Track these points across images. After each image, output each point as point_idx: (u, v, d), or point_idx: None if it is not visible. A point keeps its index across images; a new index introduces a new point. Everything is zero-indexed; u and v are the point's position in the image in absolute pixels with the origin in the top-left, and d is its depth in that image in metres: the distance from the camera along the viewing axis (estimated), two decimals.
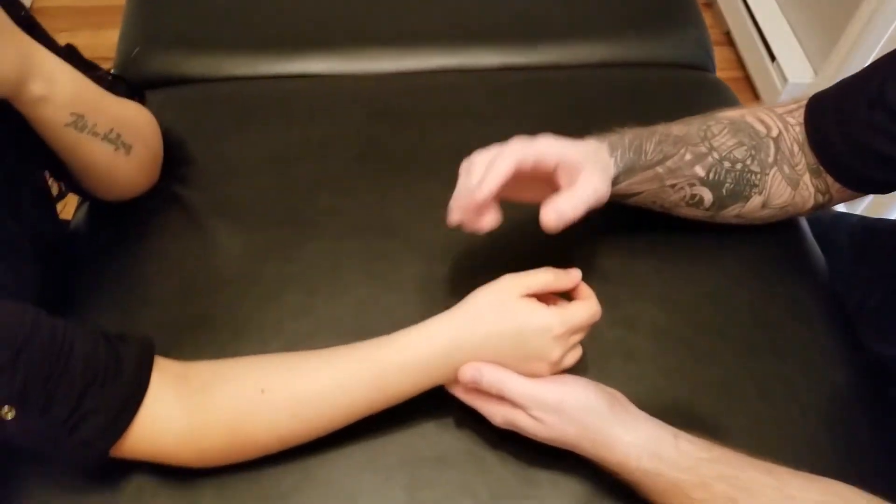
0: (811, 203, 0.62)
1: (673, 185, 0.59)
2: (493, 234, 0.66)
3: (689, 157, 0.58)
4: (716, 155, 0.58)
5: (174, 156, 0.72)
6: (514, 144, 0.52)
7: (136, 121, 0.65)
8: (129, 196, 0.69)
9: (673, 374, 0.59)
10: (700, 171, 0.58)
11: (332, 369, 0.50)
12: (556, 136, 0.54)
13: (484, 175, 0.51)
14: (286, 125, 0.77)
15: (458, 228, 0.68)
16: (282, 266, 0.65)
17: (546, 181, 0.53)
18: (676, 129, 0.59)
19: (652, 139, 0.57)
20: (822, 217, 0.80)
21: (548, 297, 0.53)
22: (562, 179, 0.53)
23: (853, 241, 0.74)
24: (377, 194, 0.71)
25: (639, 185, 0.59)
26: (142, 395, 0.47)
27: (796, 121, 0.60)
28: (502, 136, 0.76)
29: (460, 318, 0.50)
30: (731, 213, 0.62)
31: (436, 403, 0.55)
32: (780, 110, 0.61)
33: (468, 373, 0.49)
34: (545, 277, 0.51)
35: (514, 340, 0.49)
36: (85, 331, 0.47)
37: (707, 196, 0.60)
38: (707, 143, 0.59)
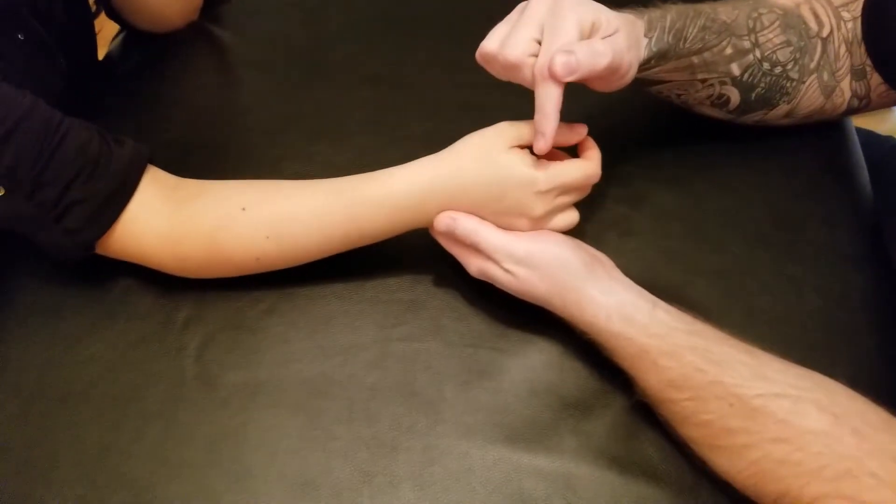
0: (843, 109, 0.54)
1: (704, 80, 0.52)
2: (508, 103, 0.63)
3: (729, 52, 0.51)
4: (758, 53, 0.51)
5: None
6: (556, 69, 0.40)
7: None
8: (165, 28, 0.67)
9: (671, 256, 0.54)
10: (736, 69, 0.51)
11: (310, 195, 0.48)
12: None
13: (539, 126, 0.41)
14: None
15: (475, 93, 0.64)
16: (290, 107, 0.62)
17: None
18: (724, 12, 0.51)
19: (696, 22, 0.49)
20: (880, 145, 0.71)
21: (552, 153, 0.48)
22: None
23: None
24: (397, 50, 0.67)
25: (668, 73, 0.51)
26: (128, 193, 0.47)
27: (851, 15, 0.52)
28: None
29: (443, 163, 0.46)
30: (753, 118, 0.55)
31: (419, 253, 0.53)
32: (837, 2, 0.53)
33: (443, 221, 0.46)
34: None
35: (494, 192, 0.45)
36: (81, 125, 0.46)
37: (735, 98, 0.53)
38: (753, 37, 0.51)
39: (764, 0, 0.53)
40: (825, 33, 0.52)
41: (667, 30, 0.48)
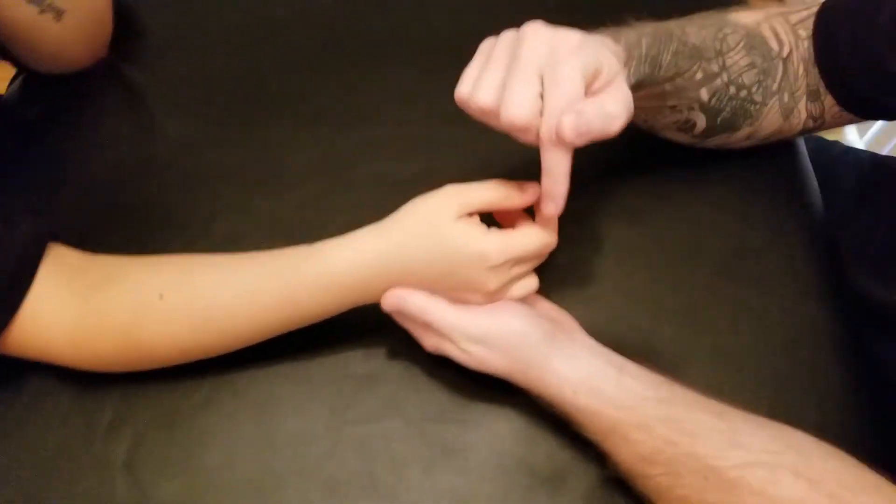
0: (798, 129, 0.52)
1: (673, 107, 0.48)
2: (462, 137, 0.57)
3: (699, 77, 0.47)
4: (725, 77, 0.48)
5: (125, 27, 0.61)
6: (565, 130, 0.35)
7: None
8: (66, 68, 0.58)
9: (634, 298, 0.50)
10: (704, 94, 0.48)
11: (237, 279, 0.41)
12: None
13: (550, 191, 0.37)
14: (250, 2, 0.64)
15: (427, 127, 0.59)
16: (222, 155, 0.55)
17: None
18: (693, 33, 0.47)
19: (669, 48, 0.45)
20: (828, 149, 0.69)
21: (507, 215, 0.43)
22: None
23: (860, 180, 0.63)
24: (341, 83, 0.59)
25: (640, 100, 0.46)
26: (23, 288, 0.39)
27: (806, 34, 0.49)
28: (487, 27, 0.65)
29: (386, 238, 0.40)
30: (715, 141, 0.52)
31: (368, 320, 0.47)
32: (794, 19, 0.50)
33: (390, 301, 0.41)
34: (490, 195, 0.40)
35: (443, 269, 0.39)
36: None
37: (701, 122, 0.50)
38: (720, 60, 0.47)
39: (727, 19, 0.49)
40: (785, 53, 0.49)
41: (643, 58, 0.43)
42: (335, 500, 0.41)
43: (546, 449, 0.44)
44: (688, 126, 0.50)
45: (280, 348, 0.45)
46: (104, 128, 0.57)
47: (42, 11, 0.51)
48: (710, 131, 0.51)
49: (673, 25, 0.47)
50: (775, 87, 0.49)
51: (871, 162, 0.65)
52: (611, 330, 0.45)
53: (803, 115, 0.51)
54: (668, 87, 0.47)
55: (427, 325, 0.41)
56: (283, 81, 0.59)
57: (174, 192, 0.53)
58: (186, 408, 0.44)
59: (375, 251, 0.40)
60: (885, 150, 1.06)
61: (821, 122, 0.51)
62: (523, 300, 0.42)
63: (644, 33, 0.45)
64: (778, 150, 0.57)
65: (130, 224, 0.51)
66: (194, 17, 0.64)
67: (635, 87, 0.44)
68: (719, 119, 0.50)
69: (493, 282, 0.39)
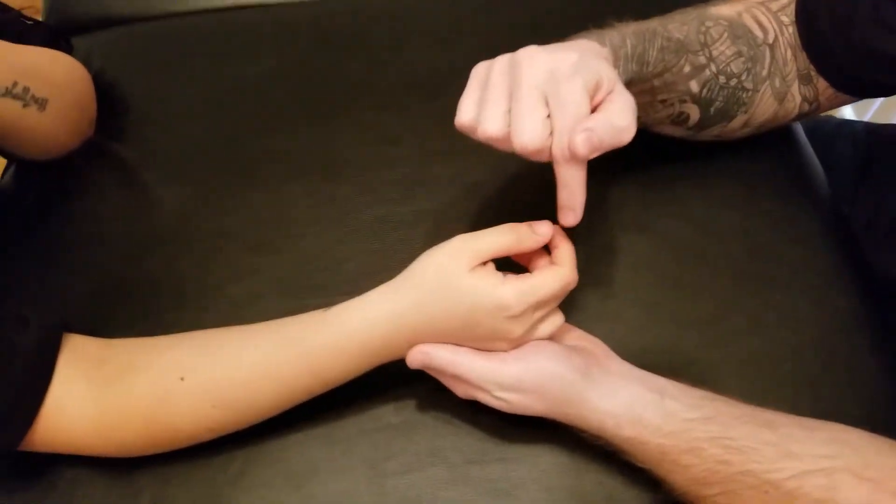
0: (794, 114, 0.52)
1: (664, 101, 0.49)
2: (455, 172, 0.57)
3: (687, 70, 0.47)
4: (713, 68, 0.48)
5: (105, 107, 0.61)
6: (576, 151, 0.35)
7: (50, 71, 0.53)
8: (57, 154, 0.58)
9: (655, 310, 0.50)
10: (694, 86, 0.48)
11: (256, 354, 0.40)
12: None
13: (571, 203, 0.38)
14: (220, 63, 0.64)
15: (417, 165, 0.59)
16: (221, 220, 0.55)
17: None
18: (675, 29, 0.48)
19: (654, 44, 0.46)
20: (823, 126, 0.69)
21: (523, 254, 0.43)
22: None
23: (858, 152, 0.64)
24: (323, 133, 0.59)
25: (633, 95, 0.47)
26: (43, 387, 0.39)
27: (790, 20, 0.50)
28: (463, 60, 0.65)
29: (403, 297, 0.39)
30: (711, 133, 0.52)
31: (395, 370, 0.46)
32: (774, 7, 0.50)
33: (416, 358, 0.40)
34: (501, 241, 0.39)
35: (464, 322, 0.39)
36: None
37: (694, 114, 0.50)
38: (706, 52, 0.48)
39: (707, 13, 0.50)
40: (771, 39, 0.49)
41: (630, 57, 0.44)
42: None
43: (594, 477, 0.43)
44: (681, 119, 0.50)
45: (308, 409, 0.44)
46: (102, 207, 0.56)
47: (25, 105, 0.50)
48: (704, 122, 0.51)
49: (655, 23, 0.48)
50: (765, 72, 0.49)
51: (866, 131, 0.65)
52: (636, 345, 0.44)
53: (797, 98, 0.51)
54: (657, 82, 0.47)
55: (457, 377, 0.40)
56: (268, 138, 0.59)
57: (181, 261, 0.52)
58: (223, 482, 0.43)
59: (391, 312, 0.39)
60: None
61: (816, 105, 0.52)
62: (551, 337, 0.41)
63: (627, 33, 0.45)
64: (776, 138, 0.57)
65: (142, 298, 0.51)
66: (171, 85, 0.64)
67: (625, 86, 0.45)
68: (712, 109, 0.50)
69: (517, 329, 0.39)
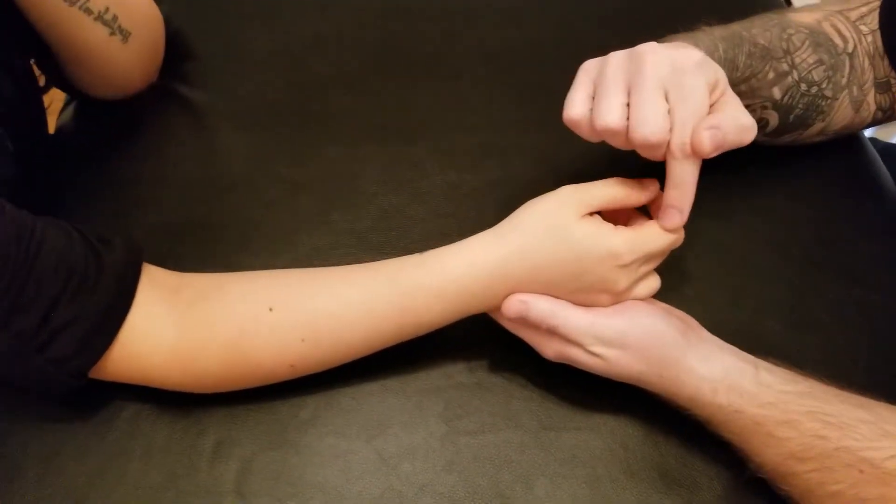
0: (868, 122, 0.53)
1: (747, 107, 0.48)
2: (528, 142, 0.57)
3: (771, 76, 0.48)
4: (795, 75, 0.48)
5: (174, 51, 0.61)
6: (697, 144, 0.36)
7: (136, 4, 0.53)
8: (124, 93, 0.57)
9: (734, 294, 0.49)
10: (777, 93, 0.48)
11: (353, 289, 0.40)
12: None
13: (677, 202, 0.38)
14: (296, 18, 0.64)
15: (493, 133, 0.58)
16: (294, 171, 0.54)
17: None
18: (759, 35, 0.48)
19: (742, 49, 0.46)
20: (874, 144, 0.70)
21: (620, 213, 0.42)
22: None
23: None
24: (398, 96, 0.59)
25: None
26: (126, 307, 0.38)
27: (868, 28, 0.50)
28: (536, 36, 0.66)
29: (508, 243, 0.39)
30: (788, 139, 0.52)
31: (473, 326, 0.45)
32: (853, 16, 0.51)
33: (513, 308, 0.39)
34: (611, 192, 0.39)
35: (571, 270, 0.38)
36: (57, 226, 0.37)
37: (774, 120, 0.50)
38: (789, 59, 0.48)
39: (789, 20, 0.50)
40: (850, 48, 0.50)
41: (722, 62, 0.44)
42: None
43: (674, 452, 0.42)
44: (761, 125, 0.51)
45: (382, 362, 0.44)
46: (170, 149, 0.55)
47: (112, 33, 0.50)
48: (782, 129, 0.51)
49: (739, 28, 0.48)
50: (844, 81, 0.50)
51: None
52: (718, 328, 0.44)
53: (872, 107, 0.52)
54: (743, 87, 0.47)
55: (551, 331, 0.39)
56: (339, 96, 0.59)
57: (251, 207, 0.52)
58: (293, 426, 0.42)
59: (496, 257, 0.38)
60: None
61: (890, 114, 0.52)
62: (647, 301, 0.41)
63: (717, 37, 0.45)
64: (844, 142, 0.57)
65: (211, 242, 0.50)
66: (241, 36, 0.63)
67: None
68: (792, 116, 0.50)
69: (623, 281, 0.38)
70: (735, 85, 0.46)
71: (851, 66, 0.50)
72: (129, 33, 0.52)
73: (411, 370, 0.44)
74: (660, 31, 0.46)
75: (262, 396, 0.42)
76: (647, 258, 0.39)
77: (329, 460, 0.41)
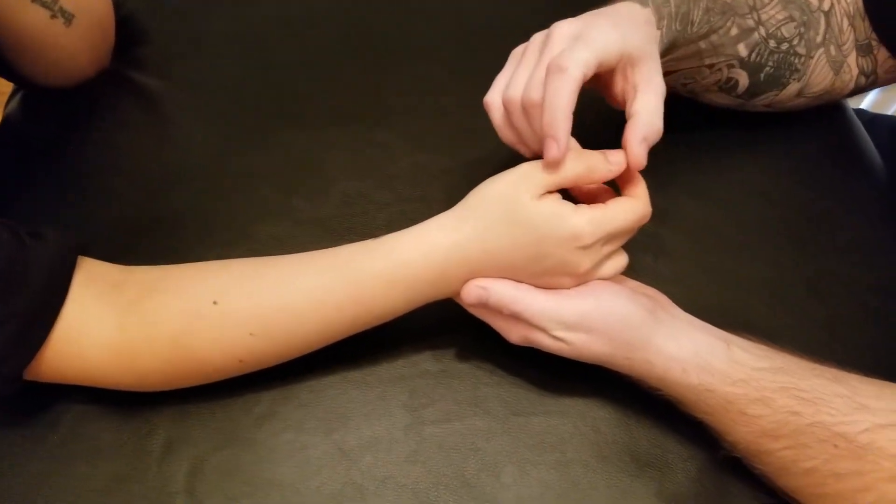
0: (851, 87, 0.51)
1: (711, 66, 0.47)
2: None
3: (734, 32, 0.46)
4: (762, 31, 0.47)
5: (127, 35, 0.59)
6: (564, 61, 0.36)
7: None
8: (72, 81, 0.55)
9: (712, 272, 0.48)
10: (743, 49, 0.47)
11: (303, 279, 0.38)
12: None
13: (548, 129, 0.36)
14: (258, 0, 0.62)
15: (466, 116, 0.57)
16: (254, 158, 0.52)
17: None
18: None
19: (699, 4, 0.45)
20: (885, 122, 0.68)
21: (587, 191, 0.41)
22: (618, 77, 0.40)
23: (894, 141, 0.63)
24: (366, 78, 0.57)
25: (676, 61, 0.46)
26: (59, 303, 0.36)
27: None
28: (511, 11, 0.64)
29: (463, 227, 0.37)
30: (763, 101, 0.51)
31: (439, 311, 0.44)
32: None
33: (472, 293, 0.37)
34: (574, 168, 0.36)
35: (531, 253, 0.36)
36: None
37: (743, 80, 0.49)
38: (755, 15, 0.47)
39: None
40: (826, 6, 0.48)
41: (673, 17, 0.43)
42: None
43: (645, 433, 0.41)
44: (730, 85, 0.49)
45: (341, 352, 0.42)
46: (124, 139, 0.54)
47: (53, 16, 0.48)
48: (754, 88, 0.50)
49: None
50: (819, 38, 0.48)
51: None
52: (694, 305, 0.42)
53: (854, 70, 0.50)
54: (703, 44, 0.46)
55: (514, 317, 0.38)
56: (305, 81, 0.57)
57: (208, 198, 0.50)
58: (247, 422, 0.40)
59: (451, 241, 0.37)
60: None
61: (874, 79, 0.51)
62: (613, 279, 0.39)
63: None
64: (828, 110, 0.56)
65: (166, 234, 0.48)
66: (198, 20, 0.62)
67: (669, 48, 0.44)
68: (762, 75, 0.49)
69: (586, 262, 0.36)
70: (693, 41, 0.45)
71: (828, 25, 0.48)
72: (73, 16, 0.50)
73: (374, 359, 0.43)
74: None
75: (215, 393, 0.40)
76: (611, 237, 0.37)
77: (285, 456, 0.39)
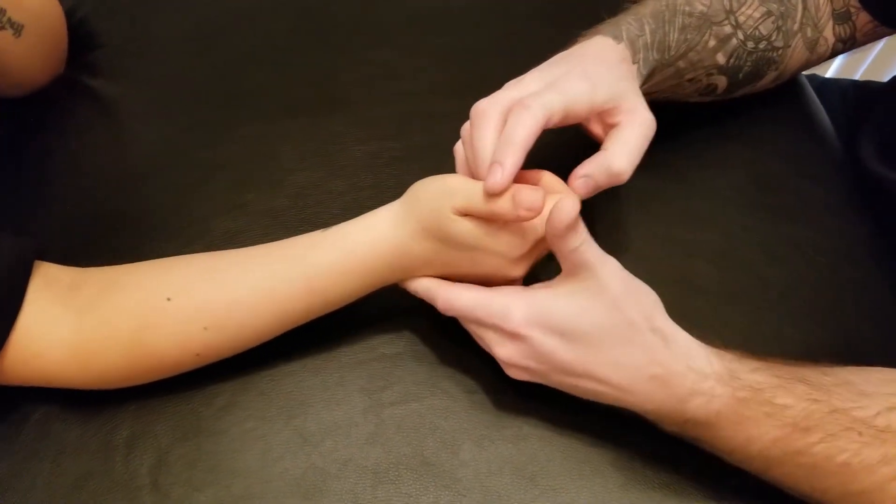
0: (827, 56, 0.52)
1: (691, 79, 0.48)
2: (452, 108, 0.56)
3: (712, 44, 0.46)
4: (740, 35, 0.47)
5: (80, 41, 0.59)
6: (530, 100, 0.36)
7: None
8: (25, 89, 0.56)
9: (667, 242, 0.49)
10: (721, 58, 0.47)
11: (254, 273, 0.39)
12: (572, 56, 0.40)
13: (498, 154, 0.35)
14: None
15: (416, 102, 0.58)
16: (208, 154, 0.53)
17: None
18: (700, 2, 0.46)
19: (674, 24, 0.45)
20: (833, 86, 0.69)
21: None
22: (595, 127, 0.41)
23: (846, 104, 0.64)
24: (318, 68, 0.58)
25: (656, 85, 0.46)
26: (16, 307, 0.37)
27: None
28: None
29: (404, 224, 0.38)
30: (741, 92, 0.51)
31: (393, 296, 0.45)
32: None
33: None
34: (488, 208, 0.35)
35: (465, 259, 0.38)
36: None
37: (722, 84, 0.49)
38: (732, 20, 0.47)
39: None
40: None
41: (649, 46, 0.43)
42: (387, 486, 0.39)
43: (604, 407, 0.42)
44: (709, 90, 0.50)
45: (299, 340, 0.43)
46: (79, 142, 0.54)
47: (1, 28, 0.49)
48: (733, 88, 0.50)
49: None
50: (796, 27, 0.48)
51: (853, 86, 0.65)
52: (648, 276, 0.43)
53: (830, 41, 0.50)
54: (681, 63, 0.46)
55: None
56: (256, 74, 0.58)
57: (164, 196, 0.51)
58: (209, 414, 0.41)
59: (396, 237, 0.38)
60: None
61: (851, 43, 0.51)
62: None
63: (646, 16, 0.44)
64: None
65: (123, 233, 0.49)
66: (150, 20, 0.62)
67: (648, 77, 0.44)
68: (741, 75, 0.49)
69: (519, 270, 0.38)
70: (672, 64, 0.45)
71: (805, 8, 0.48)
72: (22, 26, 0.50)
73: (332, 346, 0.44)
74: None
75: (177, 387, 0.41)
76: (539, 241, 0.37)
77: (248, 444, 0.40)
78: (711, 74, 0.48)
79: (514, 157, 0.35)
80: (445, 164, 0.46)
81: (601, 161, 0.38)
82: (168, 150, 0.53)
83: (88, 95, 0.57)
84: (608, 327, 0.35)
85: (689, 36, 0.45)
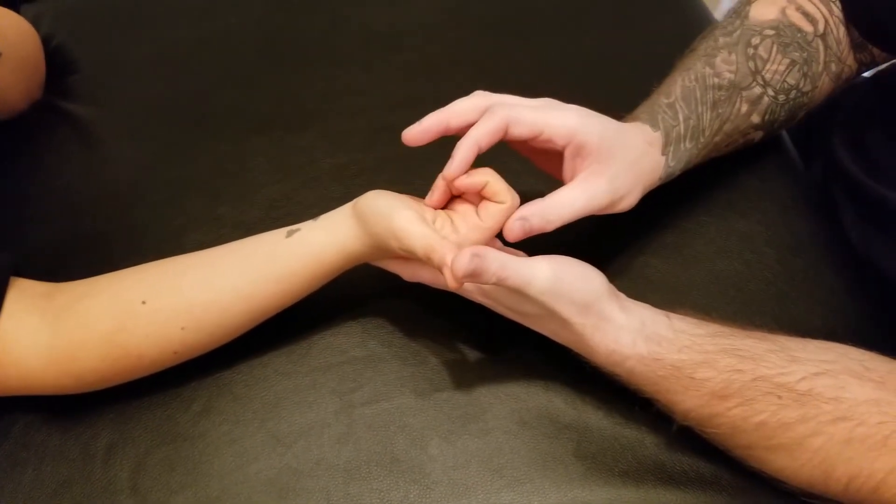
0: (852, 77, 0.53)
1: (728, 145, 0.49)
2: (415, 119, 0.59)
3: (745, 109, 0.48)
4: (770, 92, 0.48)
5: (56, 66, 0.62)
6: (502, 108, 0.39)
7: (6, 25, 0.54)
8: (4, 115, 0.58)
9: (617, 238, 0.51)
10: (756, 118, 0.48)
11: (227, 276, 0.42)
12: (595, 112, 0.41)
13: (456, 151, 0.39)
14: (177, 23, 0.66)
15: (381, 113, 0.60)
16: (180, 171, 0.55)
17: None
18: (724, 65, 0.47)
19: (706, 101, 0.46)
20: None
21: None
22: (567, 167, 0.41)
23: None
24: (286, 87, 0.61)
25: (694, 163, 0.47)
26: None
27: None
28: (420, 16, 0.67)
29: (362, 235, 0.41)
30: (776, 133, 0.53)
31: (361, 300, 0.48)
32: None
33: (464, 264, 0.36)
34: (424, 246, 0.37)
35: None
36: None
37: (759, 136, 0.51)
38: (759, 79, 0.47)
39: (750, 25, 0.48)
40: (821, 29, 0.49)
41: (682, 137, 0.45)
42: (359, 483, 0.41)
43: (562, 398, 0.44)
44: (748, 144, 0.51)
45: (272, 346, 0.46)
46: (55, 162, 0.57)
47: None
48: (769, 135, 0.52)
49: (700, 66, 0.47)
50: (821, 67, 0.49)
51: None
52: (604, 271, 0.46)
53: (854, 67, 0.51)
54: (717, 138, 0.47)
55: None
56: (225, 94, 0.61)
57: (138, 211, 0.53)
58: (186, 419, 0.43)
59: (357, 240, 0.41)
60: None
61: (873, 65, 0.52)
62: None
63: (678, 102, 0.45)
64: None
65: (99, 250, 0.51)
66: (123, 46, 0.65)
67: (684, 165, 0.45)
68: (776, 125, 0.50)
69: None
70: (709, 144, 0.46)
71: (826, 47, 0.49)
72: (0, 54, 0.53)
73: (303, 350, 0.46)
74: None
75: (154, 393, 0.44)
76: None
77: (223, 447, 0.42)
78: (748, 134, 0.49)
79: (465, 150, 0.39)
80: (413, 171, 0.50)
81: (542, 208, 0.39)
82: (141, 171, 0.56)
83: (65, 119, 0.59)
84: (546, 320, 0.40)
85: (721, 110, 0.46)
